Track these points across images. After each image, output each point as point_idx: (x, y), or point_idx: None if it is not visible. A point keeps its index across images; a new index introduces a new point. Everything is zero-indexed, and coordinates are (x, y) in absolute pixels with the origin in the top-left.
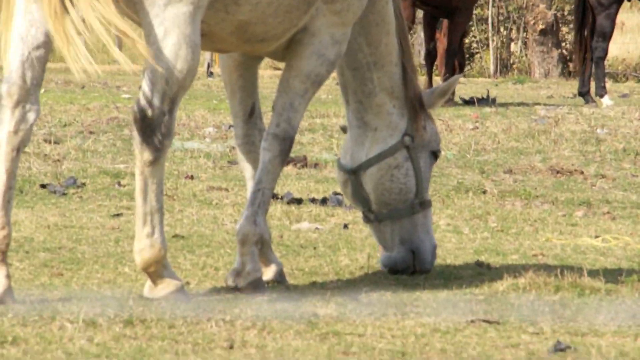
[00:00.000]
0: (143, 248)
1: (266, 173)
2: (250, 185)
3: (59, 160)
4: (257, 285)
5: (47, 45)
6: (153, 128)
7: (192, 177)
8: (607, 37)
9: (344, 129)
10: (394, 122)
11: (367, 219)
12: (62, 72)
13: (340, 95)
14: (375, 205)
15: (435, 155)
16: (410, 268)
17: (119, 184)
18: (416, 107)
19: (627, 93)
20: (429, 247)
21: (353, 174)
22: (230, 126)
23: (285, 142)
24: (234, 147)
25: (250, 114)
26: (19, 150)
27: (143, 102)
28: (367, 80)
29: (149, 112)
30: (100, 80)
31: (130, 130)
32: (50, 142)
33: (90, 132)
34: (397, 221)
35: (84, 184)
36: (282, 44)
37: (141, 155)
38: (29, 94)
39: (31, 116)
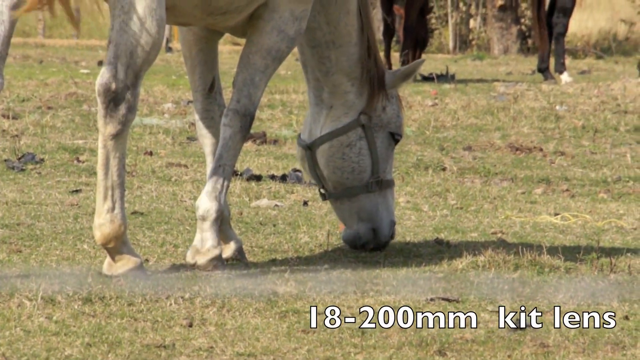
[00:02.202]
0: (103, 223)
1: (227, 149)
2: (210, 160)
3: (17, 135)
4: (216, 263)
5: (12, 20)
6: (117, 101)
7: (151, 153)
8: (568, 13)
9: None
10: (350, 100)
11: (322, 196)
12: (20, 47)
13: (302, 72)
14: (328, 182)
15: (394, 137)
16: (371, 243)
17: (77, 159)
18: (375, 87)
19: (586, 70)
20: (388, 224)
21: (309, 149)
22: (189, 102)
23: (246, 118)
24: (193, 123)
25: (210, 89)
26: None
27: (107, 75)
28: (325, 58)
29: (113, 85)
30: (58, 55)
31: (88, 106)
32: (8, 118)
33: (49, 108)
34: (354, 199)
35: (42, 160)
36: (243, 19)
37: (104, 128)
38: None
39: None
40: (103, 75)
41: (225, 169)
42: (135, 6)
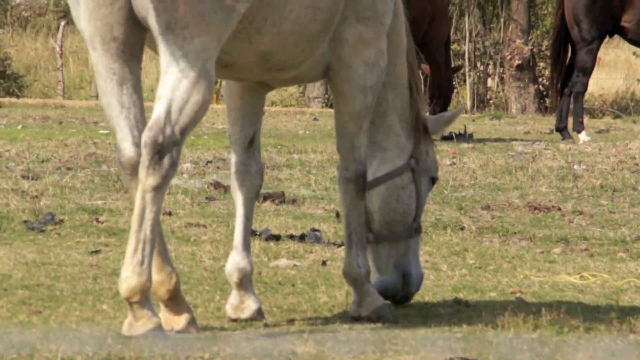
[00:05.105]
0: (130, 276)
1: (352, 214)
2: (240, 213)
3: (37, 196)
4: (380, 313)
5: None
6: (162, 154)
7: (170, 214)
8: (587, 72)
9: None
10: (402, 143)
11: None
12: (39, 107)
13: (320, 132)
14: (377, 224)
15: (433, 181)
16: (399, 293)
17: (97, 220)
18: (421, 131)
19: (604, 129)
20: (418, 274)
21: None
22: (207, 162)
23: (359, 180)
24: (212, 184)
25: (250, 143)
26: None
27: (156, 127)
28: (382, 99)
29: (160, 138)
30: (77, 116)
31: (107, 166)
32: (28, 178)
33: (68, 168)
34: (394, 244)
35: (62, 221)
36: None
37: (145, 179)
38: None
39: None
40: (152, 128)
41: (357, 232)
42: (193, 66)
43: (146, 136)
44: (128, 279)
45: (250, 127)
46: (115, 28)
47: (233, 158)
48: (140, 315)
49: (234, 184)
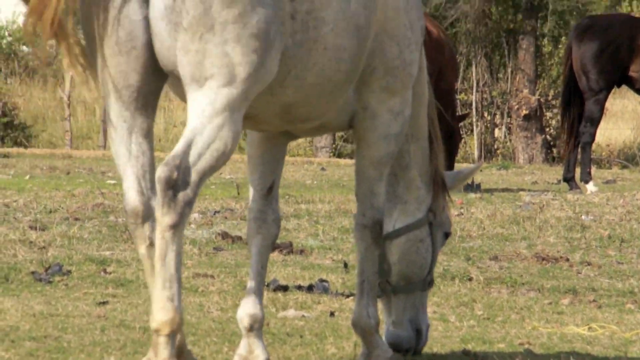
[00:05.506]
0: (161, 311)
1: (366, 261)
2: (256, 260)
3: (44, 247)
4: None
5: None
6: (176, 191)
7: None
8: (595, 122)
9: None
10: (421, 196)
11: (382, 291)
12: (47, 158)
13: (327, 182)
14: (395, 276)
15: (446, 236)
16: (412, 348)
17: (104, 271)
18: (439, 185)
19: (612, 179)
20: (427, 327)
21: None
22: (215, 212)
23: (375, 227)
24: (219, 234)
25: (269, 190)
26: None
27: (172, 163)
28: (405, 152)
29: (175, 175)
30: (85, 166)
31: (115, 217)
32: (35, 229)
33: (76, 219)
34: (410, 296)
35: (69, 272)
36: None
37: (162, 218)
38: None
39: None
40: (168, 163)
41: (369, 280)
42: (219, 114)
43: (160, 171)
44: (159, 313)
45: (270, 175)
46: (130, 76)
47: (251, 205)
48: (162, 356)
49: (250, 231)
